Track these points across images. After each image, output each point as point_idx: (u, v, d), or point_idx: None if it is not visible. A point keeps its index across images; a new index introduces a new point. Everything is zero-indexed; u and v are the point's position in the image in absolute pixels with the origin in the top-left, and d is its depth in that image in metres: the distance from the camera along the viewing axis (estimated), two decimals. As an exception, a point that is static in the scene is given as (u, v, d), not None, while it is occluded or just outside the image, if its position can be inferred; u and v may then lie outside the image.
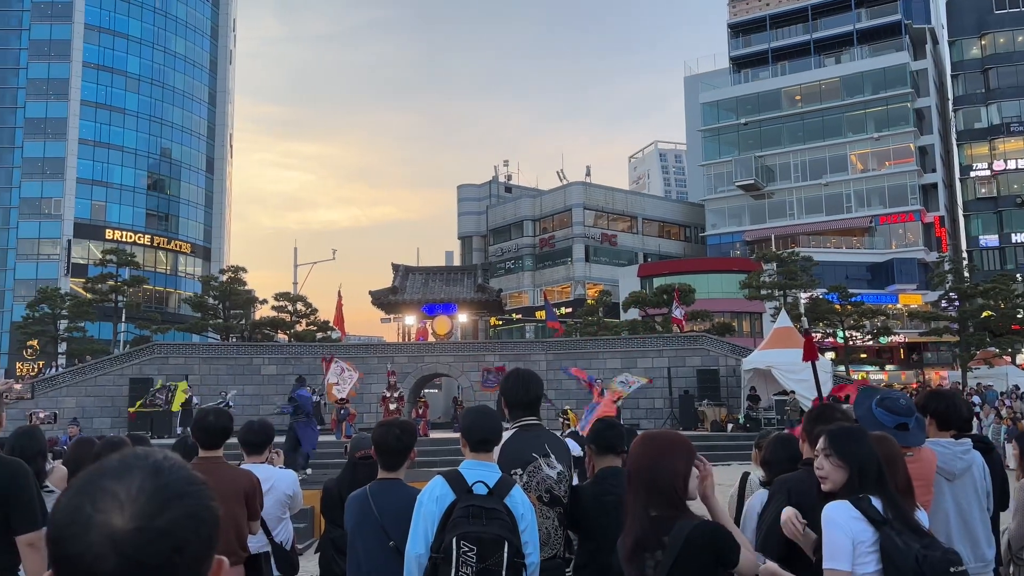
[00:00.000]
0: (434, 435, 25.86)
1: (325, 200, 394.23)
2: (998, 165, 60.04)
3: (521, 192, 76.28)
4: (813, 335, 7.82)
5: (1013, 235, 58.83)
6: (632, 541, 2.89)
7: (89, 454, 4.60)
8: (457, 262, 69.99)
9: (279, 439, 18.64)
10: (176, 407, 26.37)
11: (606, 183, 74.75)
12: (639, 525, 2.89)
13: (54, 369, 38.75)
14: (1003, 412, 23.12)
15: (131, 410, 27.21)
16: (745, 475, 4.93)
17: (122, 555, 1.01)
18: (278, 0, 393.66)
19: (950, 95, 64.69)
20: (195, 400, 26.87)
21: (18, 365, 55.00)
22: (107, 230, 67.86)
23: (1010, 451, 18.24)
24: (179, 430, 24.90)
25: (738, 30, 68.75)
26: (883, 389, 4.04)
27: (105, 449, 5.03)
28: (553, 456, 4.02)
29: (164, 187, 73.94)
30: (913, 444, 3.86)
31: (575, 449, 8.17)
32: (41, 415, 14.33)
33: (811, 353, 7.01)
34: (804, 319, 12.01)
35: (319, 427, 20.92)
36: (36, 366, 50.10)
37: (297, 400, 19.35)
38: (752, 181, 62.70)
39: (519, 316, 63.31)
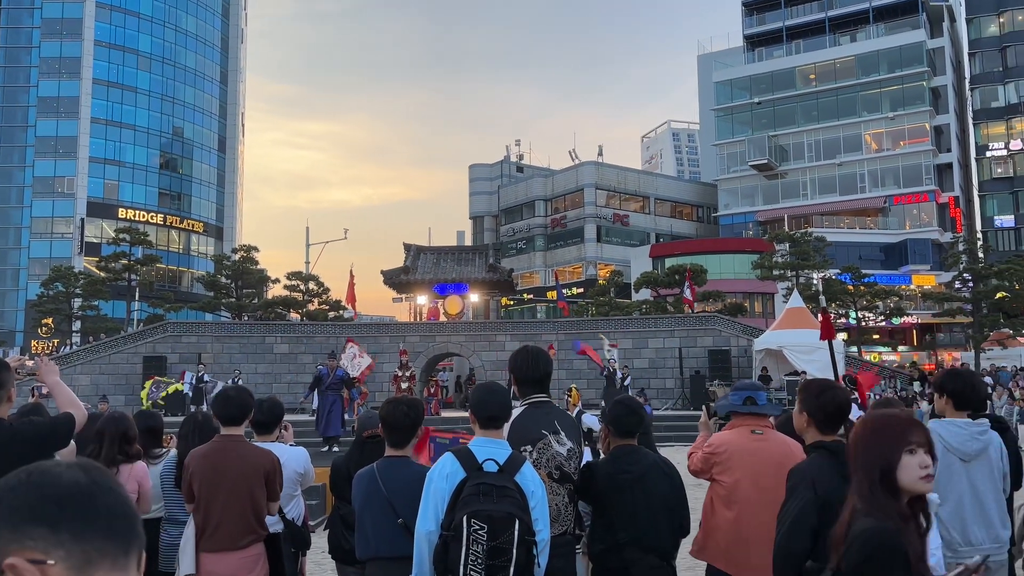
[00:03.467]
0: (445, 414, 25.96)
1: (336, 179, 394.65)
2: (1015, 144, 59.35)
3: (533, 172, 76.05)
4: (829, 314, 7.70)
5: (1029, 216, 58.29)
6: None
7: (91, 430, 4.61)
8: (468, 242, 69.98)
9: (297, 418, 18.87)
10: (161, 400, 26.42)
11: (618, 163, 74.39)
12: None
13: (69, 347, 39.03)
14: (1016, 393, 22.99)
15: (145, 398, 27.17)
16: None
17: None
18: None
19: (967, 74, 63.86)
20: (207, 379, 27.00)
21: (33, 343, 55.51)
22: (120, 209, 68.14)
23: (1024, 432, 17.95)
24: (191, 407, 25.06)
25: (752, 8, 67.99)
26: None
27: (107, 424, 5.04)
28: (563, 433, 3.99)
29: (176, 166, 74.10)
30: (762, 413, 4.30)
31: (593, 423, 8.14)
32: (45, 391, 14.40)
33: (828, 332, 6.92)
34: (822, 297, 11.81)
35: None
36: (51, 344, 50.53)
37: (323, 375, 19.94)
38: (765, 161, 62.26)
39: (530, 296, 63.30)
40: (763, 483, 4.01)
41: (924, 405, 19.35)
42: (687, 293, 33.49)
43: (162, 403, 25.91)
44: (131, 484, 4.90)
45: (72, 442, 4.95)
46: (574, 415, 9.74)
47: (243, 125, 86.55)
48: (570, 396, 19.47)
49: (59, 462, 1.12)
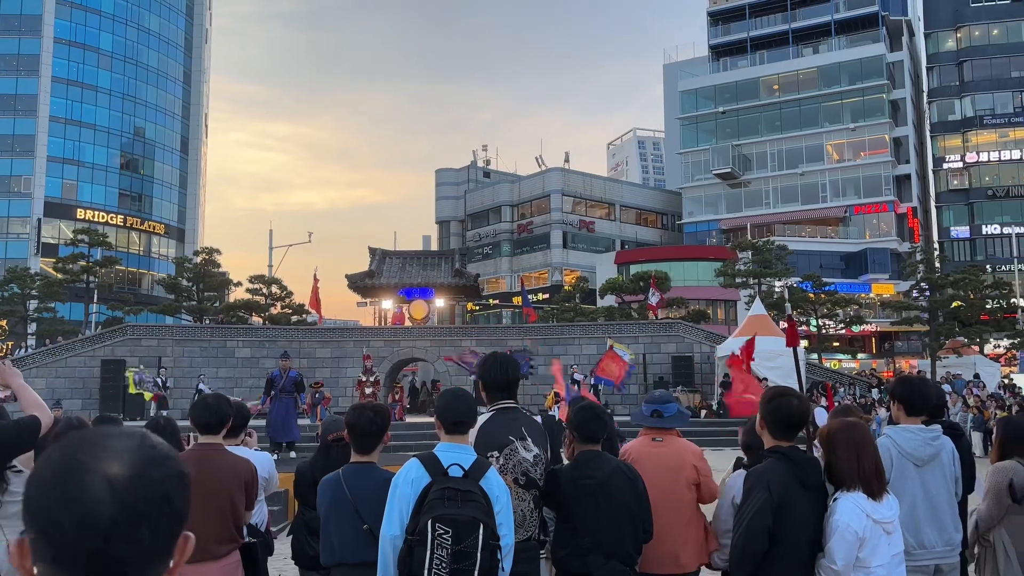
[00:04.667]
0: (410, 419, 25.87)
1: (301, 181, 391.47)
2: (970, 157, 60.75)
3: (499, 177, 76.10)
4: (795, 321, 7.82)
5: (984, 227, 59.61)
6: None
7: (49, 434, 4.54)
8: (435, 246, 69.77)
9: (259, 423, 18.55)
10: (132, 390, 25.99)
11: (585, 170, 74.92)
12: None
13: (24, 350, 38.23)
14: (970, 400, 23.52)
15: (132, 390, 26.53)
16: (739, 459, 5.00)
17: (119, 501, 1.03)
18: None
19: (925, 87, 65.28)
20: (169, 383, 26.63)
21: (-13, 345, 54.21)
22: (79, 209, 66.85)
23: (977, 438, 18.51)
24: (152, 412, 24.68)
25: (717, 18, 68.86)
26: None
27: (66, 429, 4.96)
28: (529, 439, 4.02)
29: (137, 167, 72.90)
30: (666, 427, 4.72)
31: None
32: (4, 394, 14.04)
33: (793, 339, 7.04)
34: (787, 305, 12.00)
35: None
36: (5, 347, 49.42)
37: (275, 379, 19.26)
38: (729, 170, 63.02)
39: (496, 302, 63.30)
40: (660, 483, 4.43)
41: (882, 412, 19.73)
42: (652, 299, 33.74)
43: (148, 396, 25.43)
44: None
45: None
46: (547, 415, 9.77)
47: (207, 126, 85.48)
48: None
49: None
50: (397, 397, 27.74)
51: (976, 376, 29.87)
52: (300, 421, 20.33)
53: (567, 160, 74.22)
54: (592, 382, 25.94)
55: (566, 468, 4.36)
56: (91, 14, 70.06)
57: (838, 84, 61.88)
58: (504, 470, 3.88)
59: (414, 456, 3.66)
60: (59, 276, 42.87)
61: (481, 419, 3.96)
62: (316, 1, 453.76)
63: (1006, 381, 31.77)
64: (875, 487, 3.47)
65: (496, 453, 3.94)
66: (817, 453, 3.96)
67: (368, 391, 23.82)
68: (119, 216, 69.94)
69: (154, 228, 73.55)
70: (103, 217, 67.58)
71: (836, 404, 11.60)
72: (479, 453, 3.69)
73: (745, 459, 4.88)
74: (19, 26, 67.62)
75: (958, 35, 62.66)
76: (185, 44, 79.94)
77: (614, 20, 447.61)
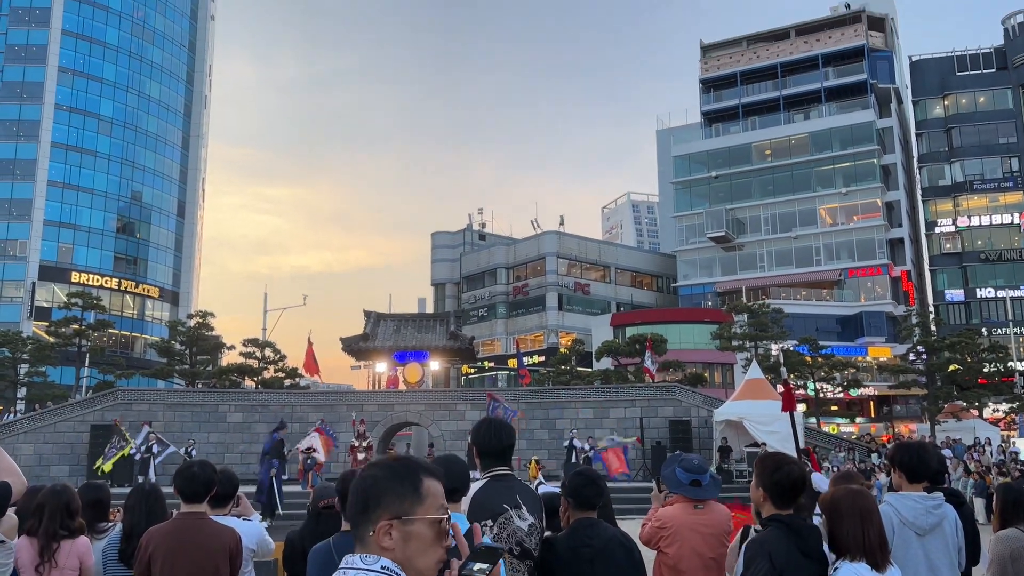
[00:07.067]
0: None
1: (297, 245, 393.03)
2: (962, 221, 61.39)
3: (495, 240, 76.63)
4: (792, 386, 7.79)
5: (978, 290, 59.89)
6: None
7: (31, 503, 4.43)
8: (430, 309, 69.82)
9: (252, 489, 18.43)
10: (126, 453, 25.63)
11: (579, 233, 75.42)
12: None
13: (12, 415, 37.79)
14: (971, 466, 23.23)
15: (105, 468, 25.96)
16: (746, 528, 4.89)
17: None
18: (253, 45, 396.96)
19: (915, 152, 66.35)
20: (156, 448, 26.25)
21: (-24, 410, 53.58)
22: (73, 273, 66.93)
23: (979, 504, 18.22)
24: (139, 478, 24.27)
25: (709, 86, 70.25)
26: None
27: (49, 498, 4.83)
28: (525, 507, 3.92)
29: (134, 230, 73.28)
30: (705, 498, 4.67)
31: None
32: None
33: (790, 404, 6.97)
34: (783, 369, 11.94)
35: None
36: (-6, 411, 48.84)
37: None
38: (723, 233, 63.52)
39: (491, 364, 63.07)
40: (704, 553, 4.47)
41: (883, 477, 19.47)
42: (648, 363, 33.60)
43: (106, 470, 25.01)
44: (71, 561, 4.68)
45: (14, 516, 4.75)
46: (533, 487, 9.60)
47: (203, 190, 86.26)
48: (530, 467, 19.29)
49: None
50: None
51: (978, 440, 29.57)
52: (291, 488, 20.22)
53: (562, 223, 74.93)
54: (591, 455, 25.66)
55: (562, 536, 4.24)
56: (92, 81, 71.27)
57: (829, 149, 62.87)
58: (498, 539, 3.76)
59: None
60: (51, 340, 42.63)
61: (475, 486, 3.87)
62: (314, 69, 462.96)
63: (1005, 446, 31.48)
64: (879, 558, 3.39)
65: (490, 522, 3.83)
66: (818, 520, 3.87)
67: (361, 456, 23.53)
68: (113, 279, 69.99)
69: (148, 291, 73.54)
70: (97, 280, 67.63)
71: (823, 468, 11.44)
72: (471, 522, 3.58)
73: (755, 528, 4.77)
74: (20, 92, 68.70)
75: (945, 102, 63.94)
76: (184, 110, 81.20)
77: (606, 86, 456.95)
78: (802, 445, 10.79)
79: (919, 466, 4.46)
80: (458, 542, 1.89)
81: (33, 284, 65.06)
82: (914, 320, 45.26)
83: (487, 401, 26.59)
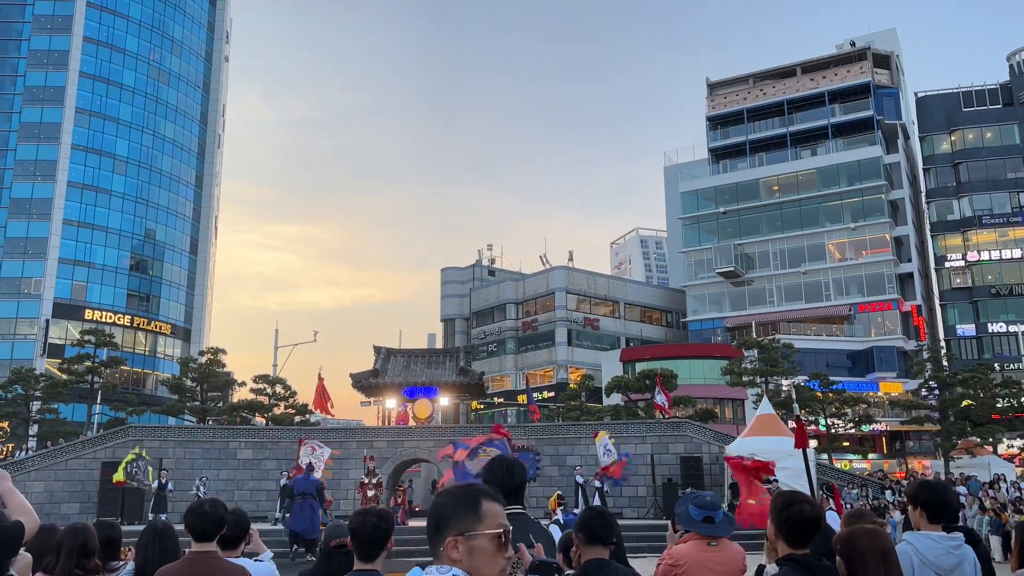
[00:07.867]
0: (413, 523, 25.29)
1: (307, 281, 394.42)
2: (972, 256, 61.26)
3: (504, 275, 76.77)
4: (803, 422, 7.78)
5: (989, 325, 59.55)
6: None
7: (51, 541, 4.44)
8: (440, 344, 69.80)
9: (262, 526, 18.43)
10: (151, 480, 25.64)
11: (588, 268, 75.59)
12: None
13: (24, 452, 37.80)
14: (986, 503, 22.92)
15: (117, 479, 25.97)
16: (760, 567, 4.86)
17: None
18: (266, 85, 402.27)
19: (923, 188, 66.42)
20: (169, 486, 26.20)
21: (-14, 447, 53.61)
22: (87, 310, 67.34)
23: (995, 542, 17.91)
24: (150, 515, 24.21)
25: (716, 123, 70.71)
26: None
27: (67, 536, 4.85)
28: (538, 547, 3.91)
29: (147, 268, 73.82)
30: (718, 535, 4.63)
31: (557, 534, 7.97)
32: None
33: (802, 440, 6.94)
34: (795, 405, 11.90)
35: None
36: (5, 449, 48.88)
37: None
38: (732, 268, 63.53)
39: (501, 400, 62.83)
40: None
41: (897, 515, 19.24)
42: (659, 399, 33.41)
43: (133, 483, 25.02)
44: (85, 600, 4.68)
45: (28, 554, 4.76)
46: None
47: (216, 227, 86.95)
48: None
49: None
50: (400, 500, 27.22)
51: (995, 477, 29.19)
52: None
53: (571, 259, 75.09)
54: (597, 484, 25.54)
55: (574, 576, 4.23)
56: (108, 122, 72.32)
57: (837, 185, 63.01)
58: (511, 580, 3.76)
59: (416, 565, 3.56)
60: (64, 377, 42.77)
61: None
62: (327, 108, 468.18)
63: (1020, 483, 31.06)
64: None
65: (503, 561, 3.82)
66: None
67: (371, 493, 23.41)
68: (126, 316, 70.37)
69: (160, 328, 73.85)
70: (110, 318, 67.99)
71: (844, 506, 11.29)
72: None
73: (767, 567, 4.74)
74: (38, 133, 69.75)
75: (952, 138, 64.16)
76: (198, 150, 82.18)
77: (614, 123, 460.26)
78: (815, 482, 10.71)
79: (943, 506, 4.39)
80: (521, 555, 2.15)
81: (47, 321, 65.44)
82: (925, 355, 44.98)
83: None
